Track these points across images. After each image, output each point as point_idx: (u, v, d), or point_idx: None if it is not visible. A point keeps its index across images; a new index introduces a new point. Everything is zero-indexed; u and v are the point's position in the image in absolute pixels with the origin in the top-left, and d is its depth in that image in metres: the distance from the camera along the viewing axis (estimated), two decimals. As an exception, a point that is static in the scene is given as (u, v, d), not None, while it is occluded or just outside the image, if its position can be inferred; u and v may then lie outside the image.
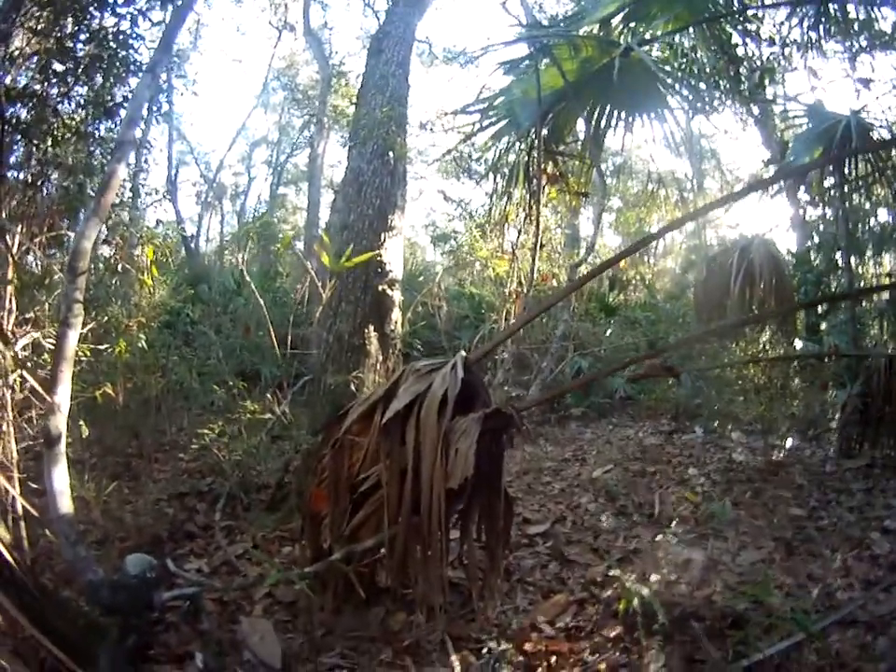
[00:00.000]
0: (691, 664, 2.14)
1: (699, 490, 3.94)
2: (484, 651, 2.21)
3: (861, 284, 6.93)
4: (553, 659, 2.20)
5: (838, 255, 6.29)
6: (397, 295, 4.55)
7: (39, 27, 4.07)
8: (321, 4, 13.67)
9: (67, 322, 2.19)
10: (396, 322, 4.61)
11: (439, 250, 12.53)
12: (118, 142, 2.46)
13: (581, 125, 3.83)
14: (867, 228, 7.10)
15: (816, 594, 2.57)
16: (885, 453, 4.33)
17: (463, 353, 1.95)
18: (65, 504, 2.20)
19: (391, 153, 4.78)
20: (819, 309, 6.46)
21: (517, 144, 3.73)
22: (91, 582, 2.11)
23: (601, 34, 4.06)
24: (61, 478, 2.21)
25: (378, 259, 4.49)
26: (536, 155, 3.51)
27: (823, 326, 6.46)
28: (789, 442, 4.90)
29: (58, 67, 4.42)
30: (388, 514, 2.03)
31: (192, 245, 12.29)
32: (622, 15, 4.16)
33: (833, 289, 6.43)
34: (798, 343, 5.69)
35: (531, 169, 3.63)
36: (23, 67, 4.53)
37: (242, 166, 20.08)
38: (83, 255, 2.20)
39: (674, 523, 3.34)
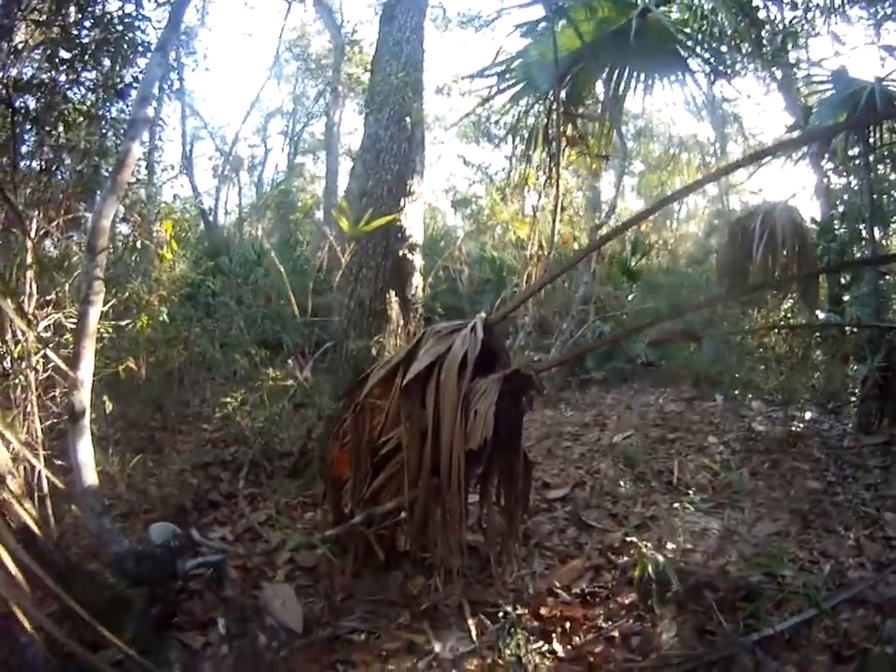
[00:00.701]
0: (702, 634, 2.16)
1: (718, 459, 3.94)
2: (500, 615, 2.24)
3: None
4: (568, 625, 2.23)
5: (862, 225, 6.14)
6: (417, 259, 4.53)
7: (42, 18, 4.08)
8: None
9: (88, 300, 2.21)
10: (417, 286, 4.60)
11: (459, 214, 12.47)
12: (130, 120, 2.45)
13: (599, 87, 3.76)
14: (892, 198, 6.95)
15: (827, 570, 2.57)
16: None
17: (483, 314, 1.94)
18: (90, 477, 2.24)
19: (408, 119, 4.73)
20: (842, 280, 6.34)
21: (536, 106, 3.67)
22: (116, 554, 2.16)
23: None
24: (86, 451, 2.25)
25: (398, 223, 4.47)
26: (555, 117, 3.45)
27: (846, 297, 6.34)
28: (808, 414, 4.87)
29: (64, 55, 4.44)
30: (408, 477, 2.05)
31: (211, 219, 12.27)
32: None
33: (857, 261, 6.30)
34: (820, 314, 5.60)
35: (550, 131, 3.57)
36: (29, 59, 4.56)
37: (258, 138, 19.95)
38: (102, 233, 2.22)
39: (692, 491, 3.35)
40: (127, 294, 3.69)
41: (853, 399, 5.04)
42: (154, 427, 4.47)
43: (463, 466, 1.89)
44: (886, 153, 5.46)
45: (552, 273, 3.53)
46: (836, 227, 6.59)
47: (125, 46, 4.57)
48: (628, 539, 2.78)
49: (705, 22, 4.51)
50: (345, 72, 13.74)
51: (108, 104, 4.45)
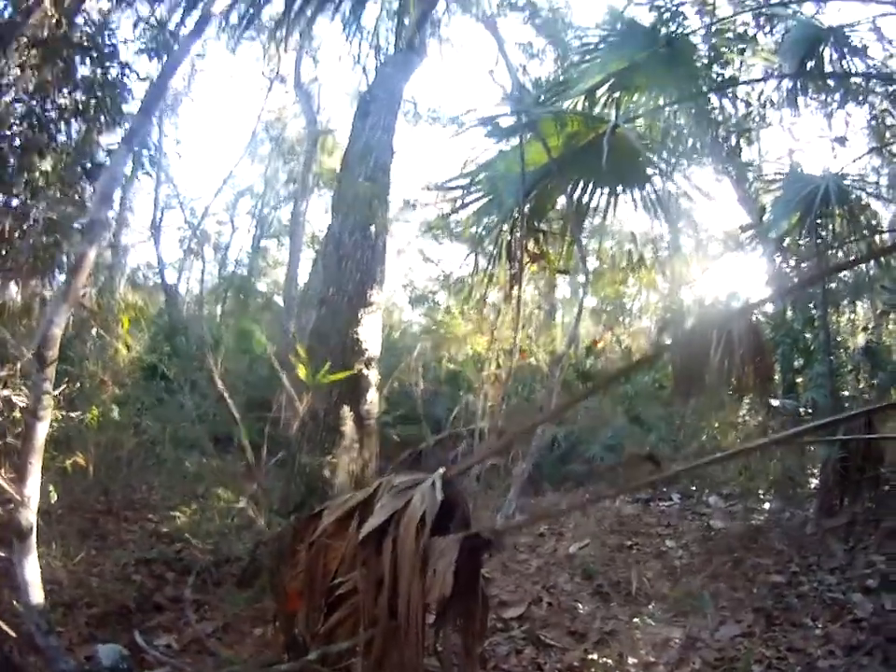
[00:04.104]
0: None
1: (677, 564, 3.91)
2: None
3: (838, 337, 7.07)
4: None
5: (814, 311, 6.39)
6: (373, 375, 4.50)
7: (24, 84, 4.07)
8: (312, 57, 13.63)
9: (36, 414, 2.13)
10: (372, 402, 4.55)
11: (417, 311, 12.59)
12: (88, 222, 2.41)
13: (562, 200, 3.86)
14: (843, 282, 7.28)
15: (796, 665, 2.57)
16: (866, 507, 4.26)
17: (441, 470, 1.94)
18: (37, 595, 2.21)
19: (372, 228, 4.75)
20: (796, 364, 6.53)
21: (500, 224, 3.74)
22: None
23: (586, 104, 4.14)
24: (32, 569, 2.21)
25: (354, 336, 4.45)
26: (518, 235, 3.54)
27: (799, 380, 6.52)
28: (767, 505, 4.90)
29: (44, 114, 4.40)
30: (364, 619, 1.98)
31: (172, 291, 12.10)
32: (607, 86, 4.27)
33: (810, 345, 6.52)
34: (775, 402, 5.73)
35: (512, 249, 3.64)
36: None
37: (226, 215, 19.87)
38: (52, 342, 2.14)
39: (652, 601, 3.31)
40: (78, 384, 3.57)
41: (813, 484, 5.07)
42: (99, 510, 4.30)
43: (421, 615, 1.84)
44: (838, 243, 5.71)
45: (511, 433, 3.53)
46: (789, 314, 6.84)
47: (106, 110, 4.54)
48: (588, 656, 2.73)
49: (664, 124, 4.71)
50: (317, 160, 13.89)
51: (77, 177, 4.38)
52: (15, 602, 2.22)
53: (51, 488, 3.21)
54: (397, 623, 1.93)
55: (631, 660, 2.80)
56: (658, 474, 2.57)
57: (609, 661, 2.80)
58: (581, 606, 3.44)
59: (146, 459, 4.57)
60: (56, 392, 2.83)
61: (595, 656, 2.70)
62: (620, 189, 3.64)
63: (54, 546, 3.31)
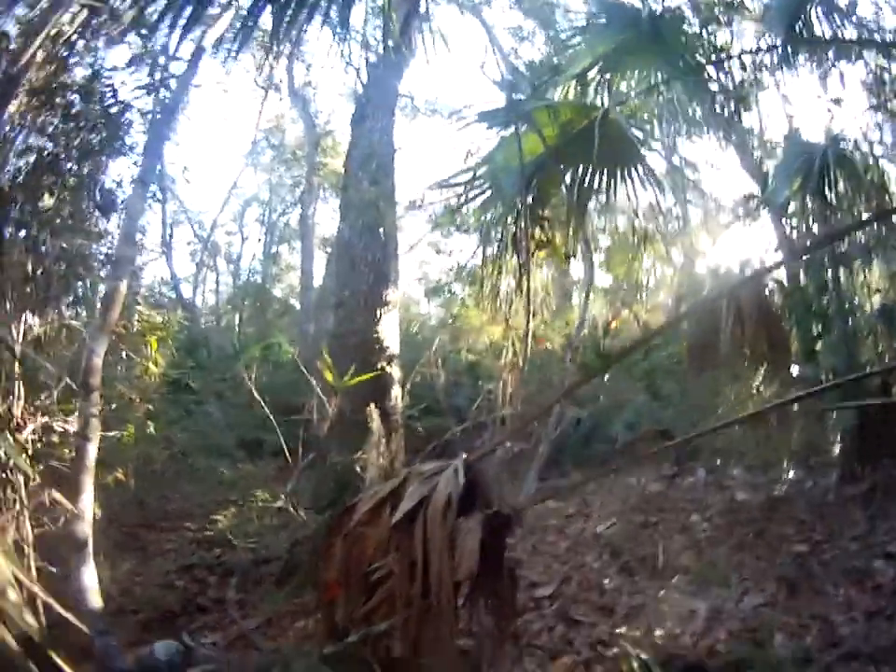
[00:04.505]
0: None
1: (702, 537, 3.95)
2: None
3: (855, 300, 7.01)
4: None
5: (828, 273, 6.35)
6: (395, 371, 4.60)
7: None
8: (304, 62, 13.63)
9: (86, 436, 2.33)
10: (396, 398, 4.65)
11: (433, 303, 12.64)
12: (115, 260, 2.58)
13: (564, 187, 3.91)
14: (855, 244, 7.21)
15: (817, 631, 2.60)
16: (887, 473, 4.16)
17: (464, 455, 2.06)
18: (95, 600, 2.39)
19: (381, 229, 4.83)
20: (814, 330, 6.49)
21: (505, 216, 3.82)
22: (122, 670, 2.33)
23: (578, 89, 4.20)
24: (90, 576, 2.41)
25: (375, 335, 4.55)
26: (523, 225, 3.61)
27: (818, 347, 6.48)
28: (790, 475, 4.90)
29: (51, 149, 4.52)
30: (400, 601, 2.09)
31: (190, 305, 12.28)
32: (596, 69, 4.32)
33: (826, 310, 6.48)
34: (794, 369, 5.71)
35: (518, 239, 3.71)
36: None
37: (235, 225, 20.05)
38: (95, 371, 2.35)
39: (677, 574, 3.37)
40: (113, 406, 3.72)
41: (835, 450, 5.04)
42: (137, 524, 4.46)
43: (452, 593, 1.95)
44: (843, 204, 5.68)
45: (529, 415, 3.61)
46: (802, 279, 6.80)
47: (107, 147, 4.64)
48: (616, 630, 2.80)
49: (660, 98, 4.72)
50: (320, 161, 13.90)
51: (87, 211, 4.49)
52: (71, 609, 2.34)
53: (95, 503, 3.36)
54: (430, 602, 2.04)
55: (658, 632, 2.87)
56: (670, 446, 2.63)
57: (637, 633, 2.87)
58: (608, 582, 3.50)
59: (178, 470, 4.73)
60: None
61: (623, 630, 2.77)
62: (617, 171, 3.69)
63: (101, 558, 3.44)
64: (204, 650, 2.92)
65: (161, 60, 4.90)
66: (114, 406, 3.72)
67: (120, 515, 4.39)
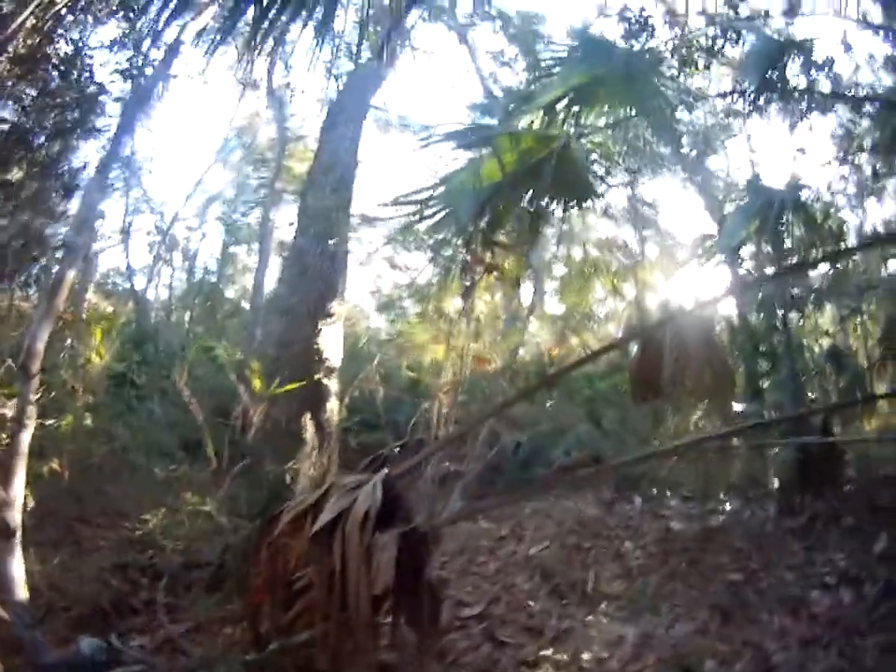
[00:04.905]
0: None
1: (634, 565, 3.99)
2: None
3: (803, 341, 7.26)
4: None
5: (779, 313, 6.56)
6: (333, 384, 4.62)
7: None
8: (285, 63, 13.63)
9: (22, 423, 2.30)
10: (332, 410, 4.66)
11: (383, 318, 12.62)
12: (66, 245, 2.55)
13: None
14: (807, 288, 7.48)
15: (749, 658, 2.65)
16: (828, 506, 4.25)
17: (384, 471, 2.09)
18: (21, 592, 2.39)
19: (333, 240, 4.81)
20: (761, 368, 6.69)
21: (456, 237, 3.87)
22: (46, 665, 2.29)
23: (545, 119, 4.30)
24: (17, 567, 2.39)
25: (315, 346, 4.57)
26: (472, 249, 3.67)
27: (765, 385, 6.68)
28: (728, 506, 5.02)
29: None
30: (319, 612, 2.11)
31: (142, 298, 12.00)
32: (566, 100, 4.43)
33: (775, 349, 6.69)
34: (737, 405, 5.87)
35: (466, 262, 3.77)
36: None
37: (196, 220, 19.72)
38: (36, 356, 2.32)
39: (607, 600, 3.42)
40: (52, 393, 3.65)
41: (774, 484, 5.11)
42: (73, 516, 4.35)
43: (370, 606, 1.98)
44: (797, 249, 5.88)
45: (456, 430, 3.64)
46: (753, 320, 7.01)
47: (79, 127, 4.60)
48: (543, 653, 2.83)
49: (626, 141, 4.89)
50: (286, 165, 13.89)
51: (52, 191, 4.45)
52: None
53: (26, 494, 3.29)
54: (348, 614, 2.07)
55: (585, 656, 2.91)
56: (598, 471, 2.69)
57: (564, 657, 2.90)
58: (537, 605, 3.52)
59: (117, 466, 4.63)
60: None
61: (549, 652, 2.80)
62: (571, 203, 3.78)
63: (31, 551, 3.37)
64: (132, 651, 2.87)
65: (145, 46, 4.89)
66: (53, 394, 3.65)
67: (56, 508, 4.29)
